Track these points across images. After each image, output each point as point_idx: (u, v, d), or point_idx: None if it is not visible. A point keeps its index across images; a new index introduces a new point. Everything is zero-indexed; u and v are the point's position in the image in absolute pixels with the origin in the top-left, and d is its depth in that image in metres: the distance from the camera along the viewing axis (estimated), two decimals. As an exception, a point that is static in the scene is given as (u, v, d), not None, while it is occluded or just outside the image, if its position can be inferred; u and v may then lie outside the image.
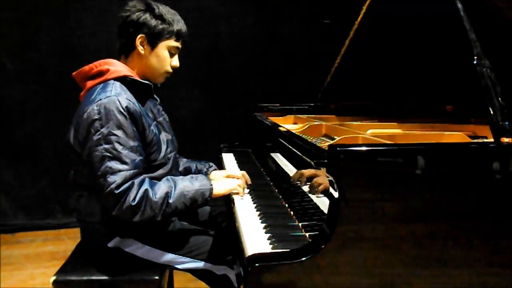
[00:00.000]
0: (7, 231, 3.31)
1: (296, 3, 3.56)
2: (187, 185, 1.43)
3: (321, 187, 1.26)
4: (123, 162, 1.33)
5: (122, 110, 1.36)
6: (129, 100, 1.39)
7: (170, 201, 1.38)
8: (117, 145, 1.34)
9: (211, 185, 1.47)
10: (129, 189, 1.32)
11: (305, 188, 1.39)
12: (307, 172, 1.37)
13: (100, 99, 1.36)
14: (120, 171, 1.32)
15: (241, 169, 2.02)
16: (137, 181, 1.35)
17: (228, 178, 1.64)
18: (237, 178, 1.62)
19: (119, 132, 1.34)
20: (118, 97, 1.37)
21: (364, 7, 1.92)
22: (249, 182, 1.68)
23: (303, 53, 3.58)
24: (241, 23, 3.55)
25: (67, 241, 3.19)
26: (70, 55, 3.27)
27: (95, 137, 1.34)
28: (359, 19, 1.97)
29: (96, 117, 1.34)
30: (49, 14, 3.24)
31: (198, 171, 1.79)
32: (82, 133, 1.38)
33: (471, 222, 1.09)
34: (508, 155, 1.09)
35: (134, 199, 1.32)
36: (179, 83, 3.39)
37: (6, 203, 3.36)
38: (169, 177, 1.47)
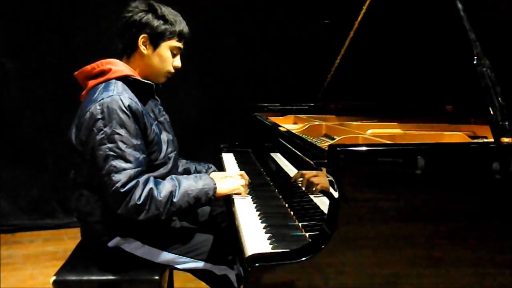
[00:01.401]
0: (7, 231, 3.31)
1: (296, 3, 3.56)
2: (191, 184, 1.44)
3: (319, 187, 1.26)
4: (127, 160, 1.34)
5: (125, 109, 1.36)
6: (131, 99, 1.40)
7: (175, 200, 1.39)
8: (120, 144, 1.34)
9: (215, 184, 1.48)
10: (134, 188, 1.33)
11: (305, 188, 1.39)
12: (308, 173, 1.37)
13: (103, 99, 1.37)
14: (124, 169, 1.33)
15: (241, 169, 2.02)
16: (142, 179, 1.35)
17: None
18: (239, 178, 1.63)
19: (122, 131, 1.35)
20: (121, 96, 1.37)
21: (364, 7, 1.92)
22: (248, 181, 1.68)
23: (303, 53, 3.58)
24: (241, 23, 3.55)
25: (67, 241, 3.19)
26: (70, 55, 3.27)
27: (99, 137, 1.34)
28: (359, 19, 1.97)
29: (99, 117, 1.35)
30: (49, 14, 3.24)
31: (198, 173, 1.79)
32: (85, 132, 1.38)
33: (471, 222, 1.09)
34: (508, 155, 1.09)
35: (139, 198, 1.33)
36: (179, 83, 3.39)
37: (6, 203, 3.36)
38: (173, 176, 1.48)
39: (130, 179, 1.33)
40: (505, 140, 1.11)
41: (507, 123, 1.13)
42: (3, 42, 3.22)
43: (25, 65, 3.28)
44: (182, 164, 1.84)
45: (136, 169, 1.35)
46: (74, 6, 3.26)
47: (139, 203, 1.33)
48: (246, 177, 1.69)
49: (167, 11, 1.50)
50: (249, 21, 3.56)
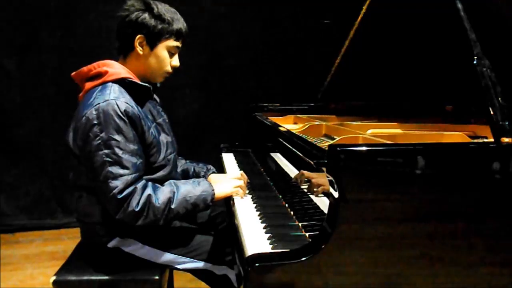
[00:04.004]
0: (7, 231, 3.31)
1: (296, 3, 3.56)
2: (189, 190, 1.43)
3: (320, 188, 1.26)
4: (124, 166, 1.33)
5: (121, 114, 1.35)
6: (128, 103, 1.38)
7: (173, 206, 1.38)
8: (117, 150, 1.33)
9: (213, 190, 1.47)
10: (131, 194, 1.33)
11: (305, 188, 1.39)
12: (309, 173, 1.37)
13: (99, 103, 1.35)
14: (121, 175, 1.32)
15: (241, 169, 2.02)
16: (139, 186, 1.35)
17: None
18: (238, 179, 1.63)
19: (118, 137, 1.34)
20: (117, 101, 1.36)
21: (364, 7, 1.92)
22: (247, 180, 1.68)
23: (303, 53, 3.59)
24: (241, 23, 3.55)
25: (67, 241, 3.19)
26: (70, 55, 3.27)
27: (95, 142, 1.33)
28: (359, 19, 1.97)
29: (95, 122, 1.34)
30: (49, 14, 3.24)
31: (196, 174, 1.78)
32: (81, 137, 1.37)
33: (471, 222, 1.09)
34: (508, 155, 1.09)
35: (137, 204, 1.33)
36: (179, 83, 3.40)
37: (6, 203, 3.36)
38: (172, 181, 1.47)
39: (127, 186, 1.33)
40: (505, 140, 1.11)
41: (507, 123, 1.13)
42: (3, 42, 3.22)
43: (25, 65, 3.28)
44: (181, 164, 1.83)
45: (133, 175, 1.35)
46: (74, 6, 3.26)
47: (137, 209, 1.33)
48: (245, 176, 1.69)
49: (163, 9, 1.47)
50: (249, 21, 3.56)
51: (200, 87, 3.58)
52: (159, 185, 1.43)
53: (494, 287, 1.11)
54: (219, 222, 1.83)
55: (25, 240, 3.25)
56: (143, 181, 1.38)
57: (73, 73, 1.52)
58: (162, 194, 1.38)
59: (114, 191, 1.31)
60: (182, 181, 1.50)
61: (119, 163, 1.33)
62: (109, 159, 1.32)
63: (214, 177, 1.74)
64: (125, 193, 1.32)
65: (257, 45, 3.58)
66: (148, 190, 1.36)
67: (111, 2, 3.15)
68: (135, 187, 1.34)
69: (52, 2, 3.23)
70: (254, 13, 3.56)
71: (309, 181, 1.38)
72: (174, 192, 1.40)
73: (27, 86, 3.30)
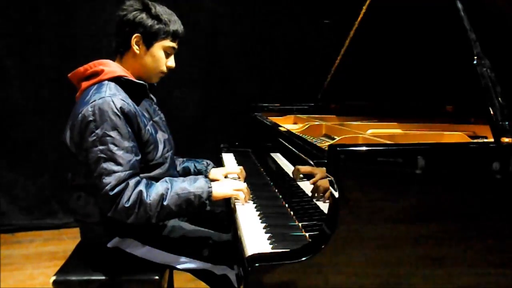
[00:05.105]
0: (7, 231, 3.31)
1: (296, 3, 3.56)
2: (184, 187, 1.41)
3: (327, 194, 1.24)
4: (117, 163, 1.33)
5: (117, 111, 1.35)
6: (124, 100, 1.39)
7: (165, 203, 1.36)
8: (112, 146, 1.33)
9: (210, 187, 1.43)
10: (123, 190, 1.32)
11: (305, 188, 1.39)
12: (305, 168, 1.37)
13: (94, 100, 1.36)
14: (114, 172, 1.32)
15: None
16: (132, 182, 1.34)
17: (227, 176, 1.65)
18: (237, 176, 1.64)
19: (113, 133, 1.34)
20: (112, 98, 1.37)
21: (364, 7, 1.92)
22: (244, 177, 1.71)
23: (303, 53, 3.58)
24: (241, 22, 3.55)
25: (67, 241, 3.19)
26: (70, 55, 3.27)
27: (90, 139, 1.34)
28: (359, 19, 1.97)
29: (90, 119, 1.34)
30: (49, 14, 3.24)
31: (198, 171, 1.79)
32: (78, 134, 1.38)
33: (471, 222, 1.09)
34: (508, 155, 1.09)
35: (128, 200, 1.32)
36: (179, 83, 3.39)
37: (6, 203, 3.36)
38: (167, 178, 1.46)
39: (120, 182, 1.32)
40: (505, 140, 1.11)
41: (507, 123, 1.13)
42: (3, 42, 3.22)
43: (25, 65, 3.28)
44: (180, 162, 1.84)
45: (127, 172, 1.34)
46: (74, 6, 3.26)
47: (127, 206, 1.32)
48: (244, 172, 1.70)
49: (161, 10, 1.49)
50: (249, 21, 3.56)
51: (200, 87, 3.58)
52: (154, 182, 1.42)
53: (494, 287, 1.11)
54: (219, 221, 1.83)
55: (25, 240, 3.25)
56: (137, 178, 1.37)
57: (69, 74, 1.53)
58: (155, 190, 1.37)
59: (106, 188, 1.31)
60: (181, 178, 1.48)
61: (113, 159, 1.33)
62: (104, 155, 1.33)
63: (215, 172, 1.76)
64: (116, 189, 1.32)
65: (257, 45, 3.58)
66: (140, 187, 1.35)
67: (111, 3, 3.17)
68: (127, 183, 1.33)
69: (53, 2, 3.23)
70: (254, 13, 3.56)
71: (307, 177, 1.38)
72: (168, 189, 1.39)
73: (27, 86, 3.30)
